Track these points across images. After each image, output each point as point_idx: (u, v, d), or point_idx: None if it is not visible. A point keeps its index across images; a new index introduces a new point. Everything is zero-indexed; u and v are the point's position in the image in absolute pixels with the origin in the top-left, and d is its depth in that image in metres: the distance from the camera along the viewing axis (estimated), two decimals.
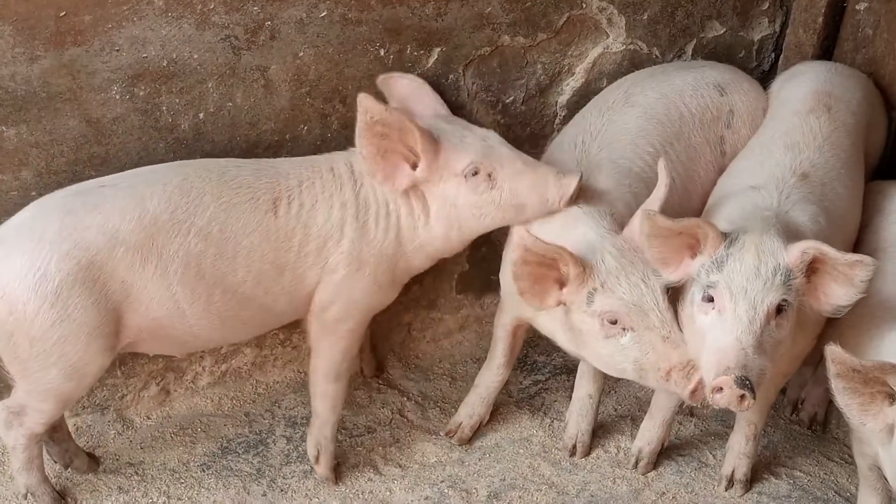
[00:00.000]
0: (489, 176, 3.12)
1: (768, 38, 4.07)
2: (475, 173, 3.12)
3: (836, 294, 2.85)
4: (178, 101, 3.26)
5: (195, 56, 3.22)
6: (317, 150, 3.51)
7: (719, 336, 2.78)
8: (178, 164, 3.11)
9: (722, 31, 3.99)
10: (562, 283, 3.00)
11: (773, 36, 4.07)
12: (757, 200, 3.11)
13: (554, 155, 3.47)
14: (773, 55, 4.11)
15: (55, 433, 3.28)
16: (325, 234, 3.13)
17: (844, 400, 2.70)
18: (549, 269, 2.98)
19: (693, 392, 2.89)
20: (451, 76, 3.61)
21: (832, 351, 2.62)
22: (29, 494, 3.19)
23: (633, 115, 3.51)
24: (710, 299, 2.84)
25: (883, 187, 3.61)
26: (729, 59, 4.02)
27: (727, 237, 2.86)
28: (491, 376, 3.65)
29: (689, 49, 3.96)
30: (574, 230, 3.12)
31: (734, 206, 3.14)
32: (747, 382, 2.69)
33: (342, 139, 3.54)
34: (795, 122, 3.45)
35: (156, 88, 3.22)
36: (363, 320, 3.32)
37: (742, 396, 2.70)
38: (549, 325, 3.20)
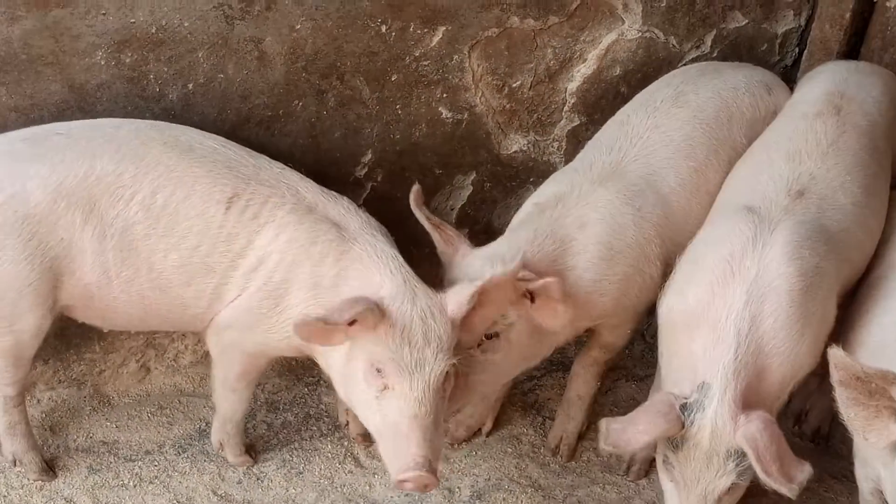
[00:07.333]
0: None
1: (793, 31, 3.86)
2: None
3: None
4: (166, 69, 3.12)
5: (185, 24, 3.08)
6: (311, 127, 3.39)
7: None
8: (148, 126, 2.95)
9: (744, 23, 3.78)
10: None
11: (797, 30, 3.86)
12: (744, 231, 2.88)
13: (588, 153, 3.31)
14: (796, 50, 3.90)
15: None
16: (264, 256, 2.87)
17: (848, 412, 2.55)
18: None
19: None
20: (455, 57, 3.46)
21: (834, 354, 2.47)
22: (16, 461, 3.13)
23: (680, 120, 3.31)
24: None
25: None
26: (750, 52, 3.82)
27: None
28: None
29: (709, 40, 3.76)
30: None
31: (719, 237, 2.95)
32: None
33: (338, 117, 3.41)
34: (800, 127, 3.21)
35: (143, 56, 3.08)
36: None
37: None
38: None
